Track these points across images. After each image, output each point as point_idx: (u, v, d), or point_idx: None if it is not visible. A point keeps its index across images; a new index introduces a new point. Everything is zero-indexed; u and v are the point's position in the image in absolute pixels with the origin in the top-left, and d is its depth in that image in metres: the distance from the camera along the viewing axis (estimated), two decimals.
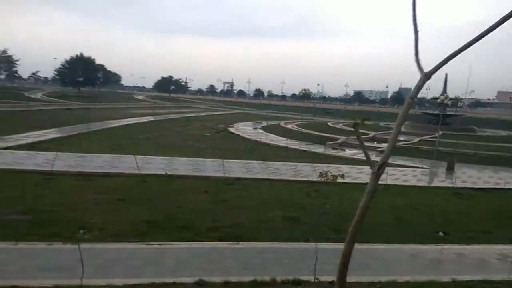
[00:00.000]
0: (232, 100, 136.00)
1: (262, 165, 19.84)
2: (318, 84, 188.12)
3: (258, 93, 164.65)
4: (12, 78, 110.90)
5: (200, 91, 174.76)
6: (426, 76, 4.79)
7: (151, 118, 47.17)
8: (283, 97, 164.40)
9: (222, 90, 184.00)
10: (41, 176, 14.60)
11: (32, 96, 73.36)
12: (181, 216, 11.15)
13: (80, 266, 6.29)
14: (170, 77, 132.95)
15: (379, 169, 4.87)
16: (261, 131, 38.82)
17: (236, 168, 18.53)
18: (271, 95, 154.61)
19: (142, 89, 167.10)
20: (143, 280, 7.03)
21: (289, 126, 45.45)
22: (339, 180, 11.65)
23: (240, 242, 9.30)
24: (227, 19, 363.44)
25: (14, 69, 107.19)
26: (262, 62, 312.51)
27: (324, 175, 11.44)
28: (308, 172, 18.33)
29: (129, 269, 7.55)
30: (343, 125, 46.11)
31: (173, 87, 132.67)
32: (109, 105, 69.99)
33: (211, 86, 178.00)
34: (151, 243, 8.81)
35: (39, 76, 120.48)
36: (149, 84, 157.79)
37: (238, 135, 35.02)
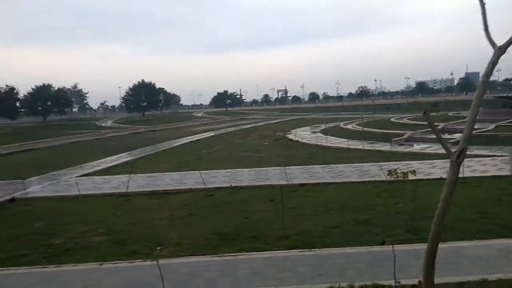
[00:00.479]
0: (287, 107, 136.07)
1: (325, 169, 19.43)
2: (375, 80, 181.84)
3: (313, 96, 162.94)
4: (84, 109, 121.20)
5: (255, 102, 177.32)
6: (501, 50, 4.36)
7: (211, 133, 48.73)
8: (340, 97, 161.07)
9: (277, 98, 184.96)
10: (118, 198, 15.62)
11: (103, 124, 79.58)
12: (250, 226, 11.23)
13: (160, 281, 6.53)
14: (225, 91, 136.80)
15: (458, 157, 4.49)
16: (320, 134, 38.23)
17: (299, 174, 18.34)
18: (326, 97, 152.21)
19: (200, 106, 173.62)
20: None
21: (349, 126, 44.26)
22: (410, 177, 11.13)
23: (312, 249, 9.11)
24: (272, 29, 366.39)
25: (85, 101, 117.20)
26: (314, 65, 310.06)
27: (394, 173, 10.96)
28: (375, 172, 17.60)
29: (206, 282, 7.71)
30: (407, 119, 43.86)
31: (229, 101, 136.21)
32: (171, 125, 73.66)
33: (265, 96, 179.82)
34: (224, 255, 8.94)
35: (107, 105, 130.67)
36: (207, 101, 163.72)
37: (297, 141, 34.78)
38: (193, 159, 26.32)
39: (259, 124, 67.14)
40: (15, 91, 75.22)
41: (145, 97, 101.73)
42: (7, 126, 71.36)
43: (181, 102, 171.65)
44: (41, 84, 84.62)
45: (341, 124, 47.40)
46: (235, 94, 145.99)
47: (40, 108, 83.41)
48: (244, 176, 18.77)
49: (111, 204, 14.71)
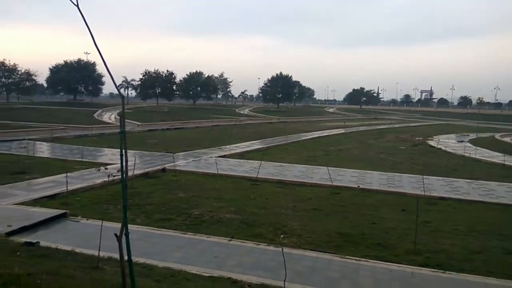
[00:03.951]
0: (431, 110, 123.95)
1: (471, 185, 17.08)
2: None
3: (464, 101, 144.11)
4: (227, 97, 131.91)
5: (393, 102, 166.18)
6: None
7: (342, 130, 47.70)
8: (498, 104, 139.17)
9: (419, 99, 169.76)
10: (248, 182, 16.62)
11: (241, 112, 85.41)
12: (376, 233, 10.64)
13: (282, 269, 6.70)
14: (361, 88, 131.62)
15: None
16: (469, 144, 33.78)
17: (439, 186, 16.55)
18: (481, 103, 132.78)
19: (333, 102, 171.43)
20: None
21: (507, 139, 38.02)
22: None
23: (447, 272, 8.14)
24: (419, 24, 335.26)
25: (228, 89, 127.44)
26: (467, 65, 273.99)
27: None
28: None
29: (326, 280, 7.62)
30: None
31: (364, 98, 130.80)
32: (303, 118, 74.72)
33: (406, 96, 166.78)
34: (347, 256, 8.69)
35: (246, 94, 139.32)
36: (340, 97, 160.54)
37: (440, 148, 31.43)
38: (321, 154, 26.22)
39: (396, 125, 62.91)
40: (173, 76, 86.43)
41: (281, 89, 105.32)
42: (164, 106, 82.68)
43: (314, 96, 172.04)
44: (194, 71, 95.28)
45: (497, 136, 40.99)
46: (372, 91, 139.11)
47: (191, 92, 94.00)
48: (374, 179, 17.85)
49: (242, 186, 15.76)
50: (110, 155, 22.48)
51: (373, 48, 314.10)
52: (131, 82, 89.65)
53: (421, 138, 37.80)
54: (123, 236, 4.01)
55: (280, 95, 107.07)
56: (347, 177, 18.12)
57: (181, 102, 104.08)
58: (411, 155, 27.23)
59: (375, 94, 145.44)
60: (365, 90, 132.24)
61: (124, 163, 3.77)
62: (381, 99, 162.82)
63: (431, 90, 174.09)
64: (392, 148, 30.97)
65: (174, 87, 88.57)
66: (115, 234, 4.14)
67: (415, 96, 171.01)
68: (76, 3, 3.14)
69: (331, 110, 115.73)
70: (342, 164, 21.55)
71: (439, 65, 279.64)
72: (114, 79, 3.75)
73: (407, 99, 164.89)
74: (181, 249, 8.77)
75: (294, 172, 19.02)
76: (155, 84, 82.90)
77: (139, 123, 42.58)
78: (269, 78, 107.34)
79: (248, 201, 13.42)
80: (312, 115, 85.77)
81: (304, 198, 14.23)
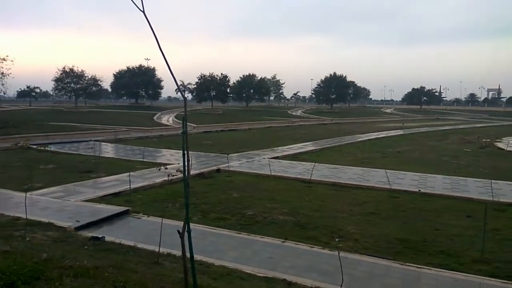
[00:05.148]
0: (500, 110, 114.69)
1: None
2: None
3: None
4: (279, 98, 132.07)
5: (457, 101, 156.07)
6: None
7: (400, 132, 45.73)
8: None
9: (486, 98, 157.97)
10: (301, 183, 16.46)
11: (294, 113, 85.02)
12: (439, 240, 10.03)
13: (339, 273, 6.52)
14: (422, 87, 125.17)
15: None
16: None
17: (509, 192, 15.24)
18: None
19: (390, 102, 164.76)
20: None
21: None
22: None
23: None
24: (486, 18, 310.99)
25: (281, 91, 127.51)
26: None
27: None
28: None
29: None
30: None
31: (424, 98, 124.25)
32: (358, 119, 72.71)
33: (471, 95, 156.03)
34: (407, 264, 8.27)
35: (299, 96, 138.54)
36: (398, 97, 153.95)
37: (509, 151, 28.97)
38: (378, 156, 25.29)
39: (460, 126, 59.09)
40: (227, 79, 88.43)
41: (335, 90, 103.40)
42: (218, 108, 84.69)
43: (370, 96, 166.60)
44: (247, 74, 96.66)
45: None
46: (433, 90, 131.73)
47: (244, 95, 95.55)
48: (437, 183, 16.86)
49: (295, 188, 15.65)
50: (168, 155, 23.44)
51: (434, 45, 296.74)
52: (187, 86, 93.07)
53: (488, 140, 35.05)
54: (185, 233, 4.12)
55: (333, 96, 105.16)
56: (407, 180, 17.29)
57: (235, 104, 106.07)
58: (477, 158, 25.37)
59: (436, 94, 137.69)
60: (425, 89, 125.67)
61: (186, 163, 3.89)
62: (444, 99, 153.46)
63: (499, 89, 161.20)
64: (456, 151, 29.07)
65: (228, 90, 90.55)
66: (178, 231, 4.27)
67: (481, 95, 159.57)
68: (142, 9, 3.29)
69: (388, 110, 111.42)
70: (401, 167, 20.62)
71: (507, 61, 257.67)
72: (177, 83, 3.89)
73: (472, 98, 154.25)
74: (236, 249, 8.88)
75: (349, 174, 18.52)
76: (210, 87, 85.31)
77: (195, 125, 44.00)
78: (322, 78, 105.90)
79: (301, 203, 13.29)
80: (368, 116, 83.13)
81: (360, 201, 13.80)
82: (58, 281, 4.45)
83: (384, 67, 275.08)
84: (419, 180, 17.38)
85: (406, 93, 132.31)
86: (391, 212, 12.52)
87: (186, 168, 3.89)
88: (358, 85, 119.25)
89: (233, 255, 8.50)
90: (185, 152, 3.87)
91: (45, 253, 5.70)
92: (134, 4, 3.24)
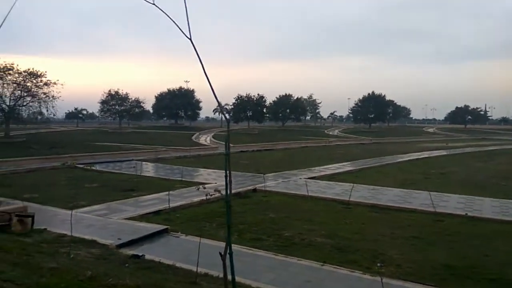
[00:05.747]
0: None
1: None
2: None
3: None
4: (315, 118, 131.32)
5: (504, 120, 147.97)
6: None
7: (443, 152, 43.91)
8: None
9: None
10: (340, 204, 16.09)
11: (331, 133, 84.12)
12: (490, 266, 9.38)
13: None
14: (466, 106, 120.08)
15: None
16: None
17: None
18: None
19: (432, 121, 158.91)
20: None
21: None
22: None
23: None
24: None
25: (317, 110, 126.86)
26: None
27: None
28: None
29: None
30: None
31: (469, 117, 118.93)
32: (398, 139, 70.63)
33: None
34: None
35: (336, 115, 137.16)
36: (441, 116, 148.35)
37: None
38: (420, 177, 24.32)
39: (508, 146, 55.78)
40: (263, 99, 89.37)
41: (373, 109, 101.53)
42: (254, 128, 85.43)
43: (410, 116, 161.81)
44: (283, 94, 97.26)
45: None
46: (478, 109, 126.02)
47: (280, 114, 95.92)
48: (485, 206, 15.90)
49: (333, 209, 15.31)
50: (206, 174, 23.80)
51: (479, 62, 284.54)
52: (225, 106, 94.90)
53: None
54: (227, 255, 4.13)
55: (372, 115, 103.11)
56: (452, 203, 16.45)
57: (271, 124, 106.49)
58: None
59: (482, 112, 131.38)
60: (470, 108, 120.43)
61: (228, 185, 3.93)
62: (489, 118, 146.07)
63: None
64: (506, 172, 27.39)
65: (264, 110, 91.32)
66: (220, 253, 4.29)
67: None
68: (189, 37, 3.44)
69: (430, 130, 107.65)
70: (446, 188, 19.67)
71: None
72: (217, 103, 3.99)
73: None
74: (273, 270, 8.75)
75: (389, 196, 17.91)
76: (247, 107, 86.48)
77: (232, 145, 44.56)
78: (360, 98, 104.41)
79: (340, 225, 12.96)
80: (409, 135, 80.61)
81: (403, 224, 13.25)
82: None
83: (426, 85, 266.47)
84: (466, 203, 16.48)
85: (449, 112, 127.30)
86: (435, 236, 11.92)
87: (228, 190, 3.94)
88: (398, 103, 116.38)
89: (270, 277, 8.37)
90: (227, 173, 3.92)
91: (89, 270, 5.89)
92: (182, 32, 3.39)
